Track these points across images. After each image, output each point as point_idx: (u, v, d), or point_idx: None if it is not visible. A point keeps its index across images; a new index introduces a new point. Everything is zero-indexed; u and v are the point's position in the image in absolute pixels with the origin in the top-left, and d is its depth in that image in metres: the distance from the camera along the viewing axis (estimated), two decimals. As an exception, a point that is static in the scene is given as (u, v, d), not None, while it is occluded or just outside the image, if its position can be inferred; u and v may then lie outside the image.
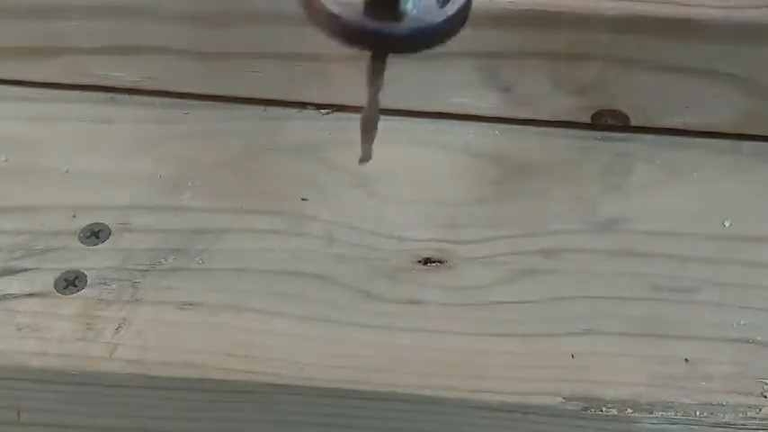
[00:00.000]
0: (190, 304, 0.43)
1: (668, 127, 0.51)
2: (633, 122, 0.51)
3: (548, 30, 0.47)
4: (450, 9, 0.34)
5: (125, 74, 0.52)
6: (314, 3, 0.33)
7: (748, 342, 0.42)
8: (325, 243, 0.46)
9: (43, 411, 0.43)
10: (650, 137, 0.51)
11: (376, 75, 0.36)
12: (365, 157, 0.38)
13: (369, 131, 0.38)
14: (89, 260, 0.45)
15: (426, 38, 0.34)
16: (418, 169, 0.48)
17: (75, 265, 0.45)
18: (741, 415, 0.40)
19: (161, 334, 0.42)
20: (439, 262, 0.45)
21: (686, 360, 0.41)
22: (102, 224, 0.46)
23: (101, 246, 0.46)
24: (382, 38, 0.33)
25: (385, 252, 0.45)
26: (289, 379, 0.41)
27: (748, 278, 0.44)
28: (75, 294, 0.43)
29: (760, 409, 0.40)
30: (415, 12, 0.33)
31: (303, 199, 0.47)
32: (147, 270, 0.44)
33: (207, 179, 0.48)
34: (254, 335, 0.42)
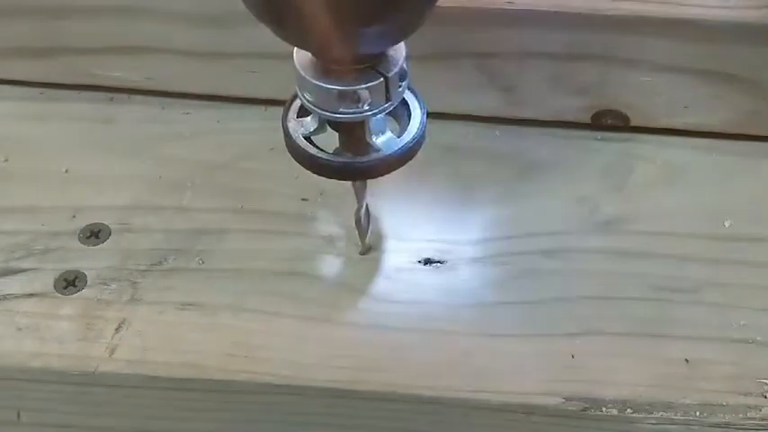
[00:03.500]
0: (190, 304, 0.43)
1: (668, 127, 0.51)
2: (633, 122, 0.51)
3: (548, 30, 0.47)
4: (407, 138, 0.40)
5: (125, 74, 0.52)
6: (296, 148, 0.40)
7: (748, 342, 0.42)
8: (325, 243, 0.46)
9: (43, 411, 0.43)
10: (650, 137, 0.51)
11: (359, 191, 0.43)
12: (365, 251, 0.45)
13: (363, 229, 0.44)
14: (89, 260, 0.45)
15: (388, 165, 0.40)
16: (418, 169, 0.48)
17: (75, 265, 0.45)
18: (741, 415, 0.40)
19: (161, 334, 0.42)
20: (439, 262, 0.45)
21: (686, 360, 0.41)
22: (102, 224, 0.46)
23: (101, 246, 0.46)
24: (353, 170, 0.41)
25: (385, 252, 0.45)
26: (289, 379, 0.41)
27: (748, 278, 0.44)
28: (75, 294, 0.43)
29: (760, 410, 0.40)
30: (379, 144, 0.40)
31: (303, 199, 0.47)
32: (147, 270, 0.44)
33: (207, 179, 0.48)
34: (254, 335, 0.42)
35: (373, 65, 0.38)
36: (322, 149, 0.40)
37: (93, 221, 0.46)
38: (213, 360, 0.41)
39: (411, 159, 0.41)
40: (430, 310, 0.43)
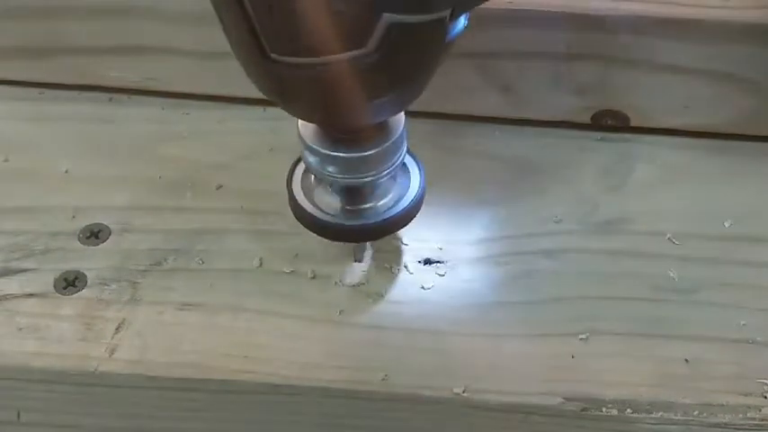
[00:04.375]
0: (190, 304, 0.43)
1: (668, 127, 0.51)
2: (633, 122, 0.51)
3: (548, 30, 0.47)
4: (409, 198, 0.42)
5: (125, 74, 0.52)
6: (299, 210, 0.42)
7: (748, 342, 0.42)
8: (326, 243, 0.46)
9: (43, 411, 0.43)
10: (650, 137, 0.51)
11: (359, 247, 0.45)
12: (359, 260, 0.45)
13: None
14: (89, 260, 0.45)
15: (390, 226, 0.42)
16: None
17: (74, 265, 0.45)
18: (741, 415, 0.40)
19: (161, 334, 0.42)
20: (439, 262, 0.45)
21: (686, 360, 0.41)
22: (102, 224, 0.46)
23: (101, 246, 0.46)
24: (356, 232, 0.42)
25: (385, 252, 0.45)
26: (289, 379, 0.41)
27: (748, 278, 0.44)
28: (75, 295, 0.43)
29: (760, 410, 0.40)
30: (377, 207, 0.42)
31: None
32: (147, 270, 0.44)
33: (207, 179, 0.48)
34: (254, 335, 0.42)
35: (373, 133, 0.39)
36: (325, 212, 0.42)
37: (93, 221, 0.46)
38: (213, 360, 0.41)
39: (414, 218, 0.43)
40: (430, 310, 0.43)
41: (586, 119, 0.51)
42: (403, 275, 0.44)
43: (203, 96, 0.52)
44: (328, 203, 0.42)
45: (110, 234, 0.46)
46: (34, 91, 0.53)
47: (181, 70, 0.51)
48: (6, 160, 0.50)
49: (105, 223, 0.46)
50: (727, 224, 0.47)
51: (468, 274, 0.45)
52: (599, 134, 0.51)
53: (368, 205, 0.42)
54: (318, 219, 0.42)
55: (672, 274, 0.44)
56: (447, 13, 0.34)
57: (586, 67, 0.48)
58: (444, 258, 0.45)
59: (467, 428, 0.41)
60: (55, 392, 0.42)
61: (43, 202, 0.47)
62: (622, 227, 0.47)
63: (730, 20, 0.46)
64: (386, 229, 0.42)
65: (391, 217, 0.42)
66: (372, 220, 0.42)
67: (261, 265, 0.45)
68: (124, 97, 0.53)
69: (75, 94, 0.53)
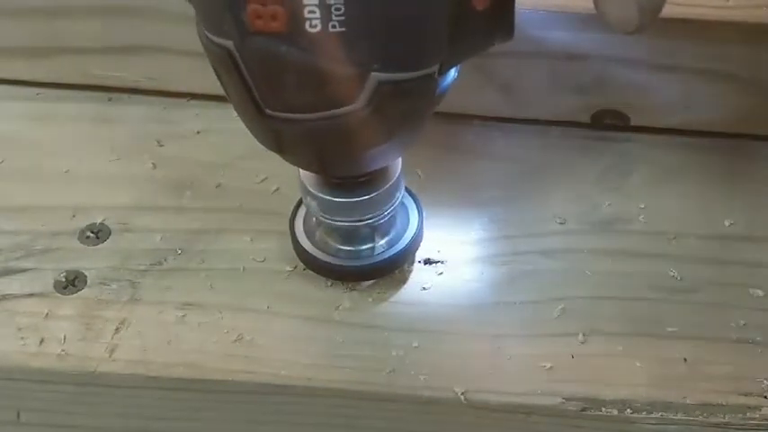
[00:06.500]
0: (190, 304, 0.43)
1: (668, 127, 0.51)
2: (633, 122, 0.51)
3: (548, 30, 0.47)
4: (408, 238, 0.44)
5: (125, 74, 0.52)
6: (302, 251, 0.44)
7: (748, 342, 0.42)
8: (325, 243, 0.46)
9: (43, 411, 0.43)
10: (650, 137, 0.51)
11: None
12: None
13: None
14: (89, 260, 0.45)
15: (392, 265, 0.44)
16: (418, 169, 0.48)
17: (74, 265, 0.45)
18: (741, 415, 0.40)
19: (161, 334, 0.42)
20: (439, 262, 0.45)
21: (686, 360, 0.41)
22: (102, 224, 0.46)
23: (101, 246, 0.46)
24: (356, 273, 0.43)
25: (385, 252, 0.45)
26: (289, 379, 0.41)
27: (748, 278, 0.44)
28: (75, 294, 0.43)
29: (760, 409, 0.40)
30: (379, 247, 0.43)
31: (303, 199, 0.47)
32: (147, 270, 0.44)
33: (207, 179, 0.49)
34: (254, 335, 0.42)
35: (370, 178, 0.40)
36: (327, 252, 0.43)
37: (93, 221, 0.46)
38: (213, 360, 0.41)
39: (413, 255, 0.44)
40: (430, 310, 0.43)
41: (586, 119, 0.51)
42: (403, 275, 0.44)
43: (203, 96, 0.52)
44: (329, 244, 0.43)
45: (110, 234, 0.46)
46: (33, 91, 0.53)
47: (181, 70, 0.51)
48: (4, 161, 0.50)
49: (105, 223, 0.46)
50: (727, 224, 0.47)
51: (468, 274, 0.45)
52: (599, 134, 0.51)
53: (367, 246, 0.43)
54: (320, 260, 0.43)
55: (672, 274, 0.44)
56: (435, 68, 0.35)
57: (586, 66, 0.48)
58: (444, 258, 0.45)
59: (467, 428, 0.41)
60: (55, 392, 0.42)
61: (43, 201, 0.47)
62: (622, 227, 0.47)
63: (730, 20, 0.46)
64: (386, 269, 0.43)
65: (391, 256, 0.43)
66: (373, 261, 0.43)
67: (261, 264, 0.45)
68: (124, 96, 0.53)
69: (74, 93, 0.53)
